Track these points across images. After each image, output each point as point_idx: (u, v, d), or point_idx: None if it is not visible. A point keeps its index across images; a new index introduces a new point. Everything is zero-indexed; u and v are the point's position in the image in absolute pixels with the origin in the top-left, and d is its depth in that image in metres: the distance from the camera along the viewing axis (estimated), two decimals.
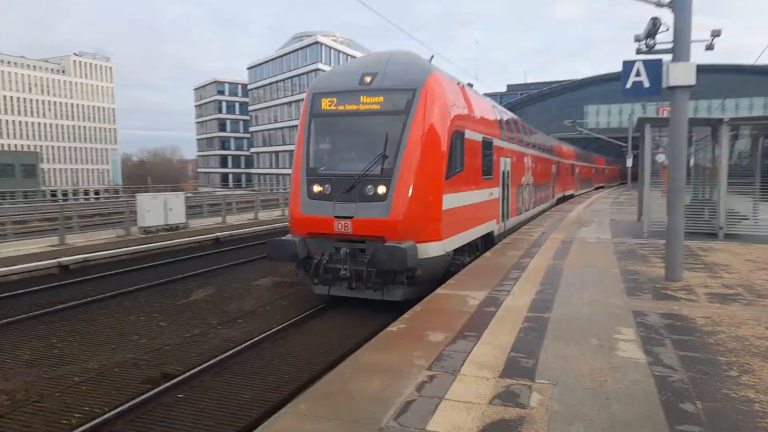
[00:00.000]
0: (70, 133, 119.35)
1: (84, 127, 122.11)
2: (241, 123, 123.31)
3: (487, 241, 14.59)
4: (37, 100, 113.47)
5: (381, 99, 10.48)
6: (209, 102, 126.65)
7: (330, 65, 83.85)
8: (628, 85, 10.04)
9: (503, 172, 15.97)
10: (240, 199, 36.95)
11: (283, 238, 10.54)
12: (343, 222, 10.02)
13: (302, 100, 12.22)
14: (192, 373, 7.55)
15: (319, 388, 5.46)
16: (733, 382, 5.38)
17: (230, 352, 8.40)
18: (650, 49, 10.35)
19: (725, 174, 15.29)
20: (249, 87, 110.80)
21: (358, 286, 10.06)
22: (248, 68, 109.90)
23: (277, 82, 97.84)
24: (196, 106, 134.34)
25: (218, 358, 8.12)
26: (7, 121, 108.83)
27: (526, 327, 7.18)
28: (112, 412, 6.41)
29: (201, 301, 12.02)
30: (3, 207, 26.95)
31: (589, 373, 5.58)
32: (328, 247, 10.32)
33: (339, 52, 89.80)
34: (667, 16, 9.89)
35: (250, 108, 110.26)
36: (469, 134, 11.97)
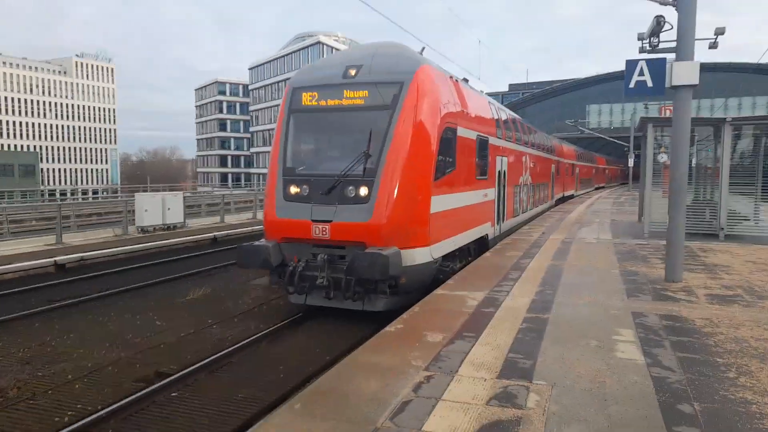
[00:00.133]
0: (71, 133, 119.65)
1: (84, 127, 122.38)
2: (242, 123, 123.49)
3: (481, 246, 13.98)
4: (38, 101, 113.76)
5: (365, 93, 9.81)
6: (210, 102, 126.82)
7: None
8: (632, 84, 9.91)
9: (499, 172, 15.29)
10: (239, 198, 36.93)
11: (255, 243, 9.80)
12: (321, 226, 9.32)
13: None
14: (186, 371, 7.49)
15: (314, 387, 5.39)
16: (731, 384, 5.32)
17: (225, 351, 8.33)
18: (654, 48, 10.28)
19: (727, 174, 15.23)
20: (250, 87, 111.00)
21: (337, 295, 9.33)
22: (250, 68, 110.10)
23: (278, 82, 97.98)
24: (196, 107, 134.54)
25: (213, 357, 8.06)
26: (7, 121, 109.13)
27: (525, 328, 7.11)
28: (105, 410, 6.34)
29: (197, 301, 11.94)
30: (1, 206, 26.87)
31: (587, 375, 5.52)
32: (305, 253, 9.60)
33: None
34: (671, 15, 9.82)
35: (251, 108, 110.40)
36: (462, 131, 11.30)
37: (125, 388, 7.12)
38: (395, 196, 9.14)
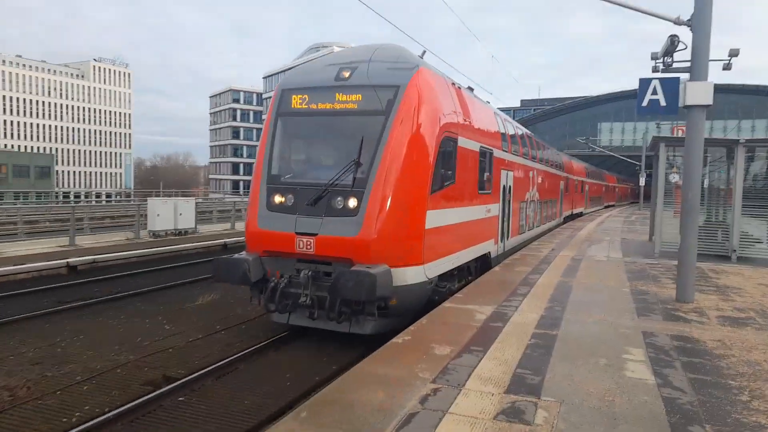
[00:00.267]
0: (86, 136, 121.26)
1: (100, 131, 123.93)
2: (255, 131, 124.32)
3: (483, 264, 13.21)
4: (56, 104, 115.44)
5: (359, 97, 9.12)
6: (224, 109, 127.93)
7: None
8: (645, 103, 9.91)
9: (504, 187, 14.47)
10: None
11: (235, 256, 9.10)
12: (305, 239, 8.61)
13: None
14: (193, 376, 7.51)
15: (321, 396, 5.39)
16: (744, 407, 5.25)
17: (232, 358, 8.35)
18: (667, 68, 10.28)
19: (740, 196, 15.12)
20: (264, 96, 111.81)
21: (322, 315, 8.62)
22: (264, 77, 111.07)
23: None
24: (210, 114, 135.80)
25: (220, 363, 8.08)
26: (25, 123, 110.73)
27: (534, 344, 7.07)
28: (112, 413, 6.37)
29: (206, 306, 11.99)
30: (16, 207, 27.18)
31: (596, 393, 5.47)
32: (289, 268, 8.87)
33: None
34: (685, 35, 9.83)
35: (264, 116, 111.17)
36: (463, 142, 10.59)
37: (133, 391, 7.16)
38: (386, 209, 8.45)
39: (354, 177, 8.63)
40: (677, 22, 9.77)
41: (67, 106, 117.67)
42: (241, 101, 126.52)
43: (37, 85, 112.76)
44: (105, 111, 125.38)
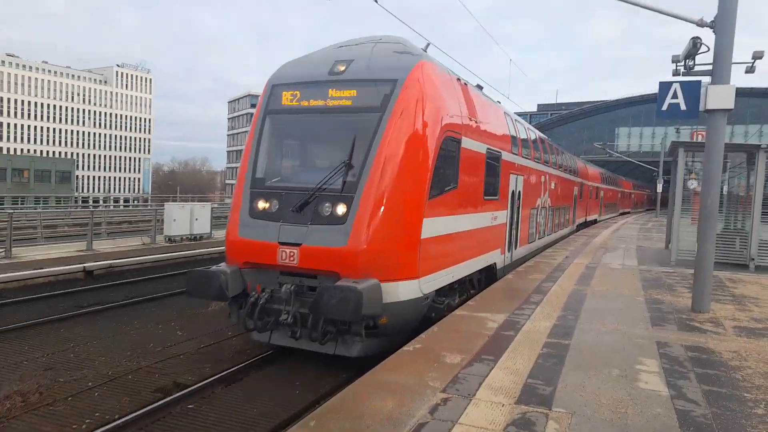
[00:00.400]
0: (107, 141, 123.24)
1: (120, 136, 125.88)
2: None
3: (488, 276, 12.31)
4: (78, 109, 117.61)
5: (353, 93, 8.40)
6: (242, 114, 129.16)
7: None
8: (664, 107, 9.74)
9: (513, 192, 13.65)
10: None
11: (212, 268, 8.29)
12: (288, 250, 7.81)
13: None
14: (204, 383, 7.54)
15: (330, 405, 5.37)
16: (760, 420, 5.14)
17: (242, 365, 8.36)
18: (689, 71, 10.12)
19: (759, 203, 14.86)
20: None
21: (305, 334, 7.84)
22: None
23: None
24: (229, 119, 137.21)
25: (230, 370, 8.10)
26: (48, 128, 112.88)
27: (546, 353, 6.99)
28: (122, 420, 6.41)
29: (219, 312, 12.03)
30: (36, 212, 27.59)
31: (608, 404, 5.39)
32: (271, 281, 8.08)
33: None
34: (707, 37, 9.68)
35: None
36: (467, 143, 9.84)
37: (143, 397, 7.21)
38: (378, 216, 7.67)
39: (343, 181, 7.88)
40: (700, 23, 9.61)
41: (89, 111, 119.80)
42: None
43: (61, 91, 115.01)
44: (126, 116, 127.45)
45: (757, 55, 11.02)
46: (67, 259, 15.82)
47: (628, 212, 60.29)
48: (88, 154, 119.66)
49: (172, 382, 7.73)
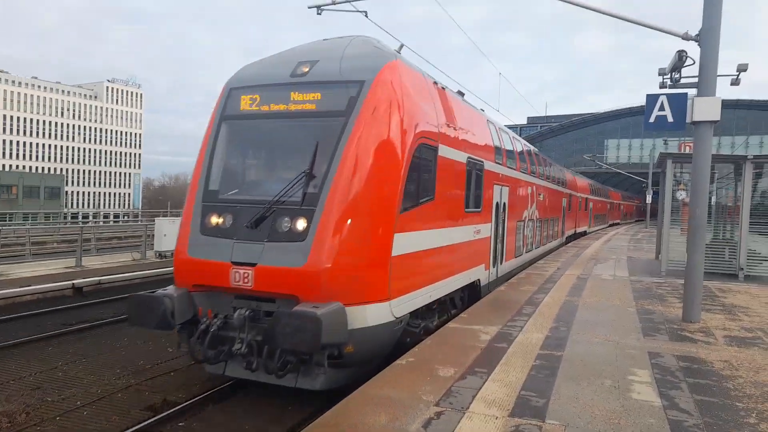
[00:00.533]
0: (97, 157, 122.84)
1: (110, 151, 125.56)
2: None
3: (472, 294, 11.68)
4: (68, 125, 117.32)
5: (317, 96, 7.68)
6: None
7: None
8: (652, 119, 9.86)
9: (498, 204, 12.98)
10: None
11: (158, 291, 7.40)
12: (242, 271, 6.97)
13: None
14: (194, 401, 7.45)
15: (323, 420, 5.32)
16: (752, 430, 5.16)
17: (232, 382, 8.27)
18: (675, 83, 10.27)
19: (747, 213, 15.02)
20: None
21: (263, 365, 6.96)
22: None
23: None
24: None
25: (221, 387, 8.01)
26: (38, 144, 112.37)
27: (538, 365, 6.98)
28: None
29: None
30: (24, 228, 27.36)
31: (601, 415, 5.38)
32: (225, 306, 7.26)
33: None
34: (693, 50, 9.84)
35: None
36: (445, 151, 9.16)
37: (133, 416, 7.10)
38: (342, 232, 6.90)
39: (304, 192, 7.10)
40: (685, 37, 9.78)
41: (79, 126, 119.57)
42: None
43: (51, 106, 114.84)
44: (116, 131, 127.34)
45: (742, 68, 11.20)
46: (55, 276, 15.67)
47: (618, 223, 60.59)
48: (78, 170, 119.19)
49: (162, 399, 7.63)
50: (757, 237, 15.83)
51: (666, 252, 16.38)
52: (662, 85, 10.53)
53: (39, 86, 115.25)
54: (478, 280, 11.92)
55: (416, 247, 8.16)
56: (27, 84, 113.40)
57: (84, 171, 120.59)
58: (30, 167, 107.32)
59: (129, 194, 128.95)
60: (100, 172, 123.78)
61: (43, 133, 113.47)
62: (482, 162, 11.47)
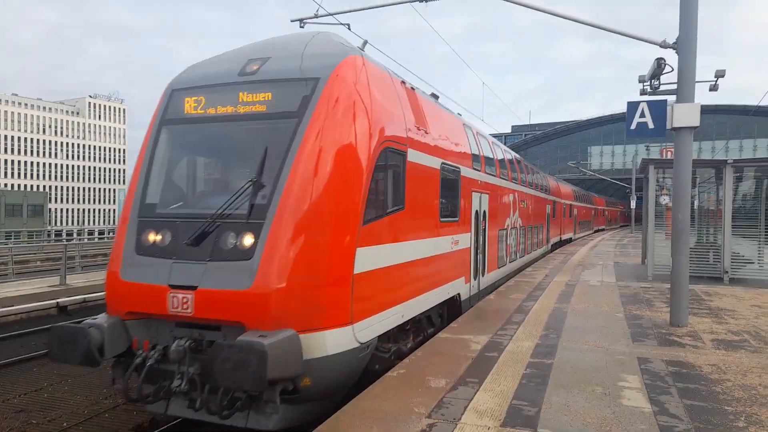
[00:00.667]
0: (80, 173, 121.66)
1: (94, 167, 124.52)
2: None
3: (451, 310, 10.91)
4: (50, 141, 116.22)
5: (268, 96, 6.86)
6: None
7: None
8: (633, 126, 9.98)
9: (477, 213, 12.29)
10: None
11: (84, 321, 6.35)
12: (181, 295, 6.06)
13: None
14: (180, 421, 7.34)
15: None
16: None
17: None
18: (655, 90, 10.42)
19: (729, 216, 15.21)
20: None
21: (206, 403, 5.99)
22: None
23: None
24: None
25: None
26: (20, 161, 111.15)
27: (529, 373, 6.98)
28: None
29: None
30: (7, 247, 26.99)
31: (593, 423, 5.39)
32: (164, 336, 6.30)
33: None
34: (671, 57, 10.00)
35: None
36: (415, 156, 8.35)
37: None
38: (294, 248, 6.04)
39: (251, 204, 6.24)
40: (663, 45, 9.94)
41: (61, 143, 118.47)
42: None
43: (32, 123, 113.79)
44: (99, 147, 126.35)
45: (720, 74, 11.40)
46: (39, 295, 15.42)
47: (603, 229, 60.96)
48: (61, 186, 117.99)
49: (149, 420, 7.53)
50: (740, 240, 16.04)
51: (652, 257, 16.54)
52: (643, 92, 10.69)
53: (20, 103, 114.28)
54: (458, 294, 11.17)
55: (384, 263, 7.33)
56: (7, 101, 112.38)
57: (67, 188, 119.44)
58: (12, 185, 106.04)
59: (114, 210, 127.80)
60: (83, 188, 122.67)
61: (25, 151, 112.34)
62: (458, 168, 10.78)
